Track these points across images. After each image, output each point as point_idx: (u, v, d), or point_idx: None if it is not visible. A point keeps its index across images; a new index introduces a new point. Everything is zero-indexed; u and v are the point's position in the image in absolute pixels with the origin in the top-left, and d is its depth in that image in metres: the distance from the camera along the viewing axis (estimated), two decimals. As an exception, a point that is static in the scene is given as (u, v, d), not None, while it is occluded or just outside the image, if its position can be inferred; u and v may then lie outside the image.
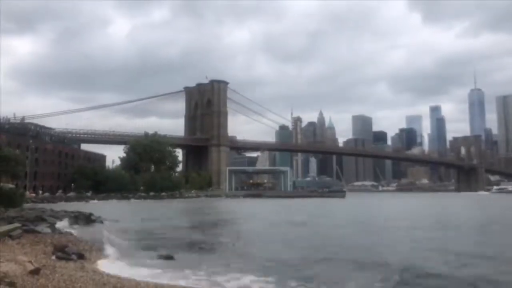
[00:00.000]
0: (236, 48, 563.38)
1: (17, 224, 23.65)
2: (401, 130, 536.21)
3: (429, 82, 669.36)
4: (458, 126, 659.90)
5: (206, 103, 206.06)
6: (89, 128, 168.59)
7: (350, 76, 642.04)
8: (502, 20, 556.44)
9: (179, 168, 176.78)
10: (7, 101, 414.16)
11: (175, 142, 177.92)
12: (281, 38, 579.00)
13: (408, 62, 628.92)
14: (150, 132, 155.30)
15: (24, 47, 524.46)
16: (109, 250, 20.03)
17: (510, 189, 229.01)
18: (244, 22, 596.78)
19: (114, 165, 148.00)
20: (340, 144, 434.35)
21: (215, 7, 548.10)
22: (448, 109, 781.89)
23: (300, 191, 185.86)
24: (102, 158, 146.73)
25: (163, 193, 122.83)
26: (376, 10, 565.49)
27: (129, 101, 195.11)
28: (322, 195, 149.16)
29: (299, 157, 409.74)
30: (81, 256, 16.43)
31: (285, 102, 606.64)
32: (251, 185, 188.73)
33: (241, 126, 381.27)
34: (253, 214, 57.21)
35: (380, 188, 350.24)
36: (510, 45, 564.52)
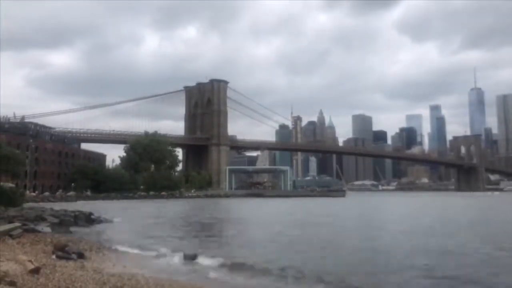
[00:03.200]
0: (255, 62, 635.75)
1: (17, 224, 23.71)
2: (401, 130, 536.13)
3: (423, 89, 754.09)
4: (458, 125, 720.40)
5: (206, 102, 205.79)
6: (89, 127, 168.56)
7: (351, 85, 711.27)
8: (477, 40, 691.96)
9: (179, 167, 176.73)
10: (27, 106, 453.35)
11: (175, 142, 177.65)
12: (294, 55, 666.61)
13: (403, 74, 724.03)
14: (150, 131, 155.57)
15: (56, 60, 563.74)
16: (109, 249, 20.07)
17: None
18: (265, 41, 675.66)
19: (114, 164, 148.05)
20: (340, 144, 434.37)
21: (239, 27, 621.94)
22: (448, 109, 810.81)
23: (300, 191, 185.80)
24: (102, 157, 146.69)
25: (163, 193, 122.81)
26: (376, 32, 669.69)
27: (128, 100, 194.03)
28: (322, 195, 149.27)
29: (299, 156, 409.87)
30: (81, 256, 16.46)
31: (286, 104, 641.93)
32: (251, 185, 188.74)
33: (241, 126, 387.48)
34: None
35: (380, 187, 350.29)
36: (487, 60, 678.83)
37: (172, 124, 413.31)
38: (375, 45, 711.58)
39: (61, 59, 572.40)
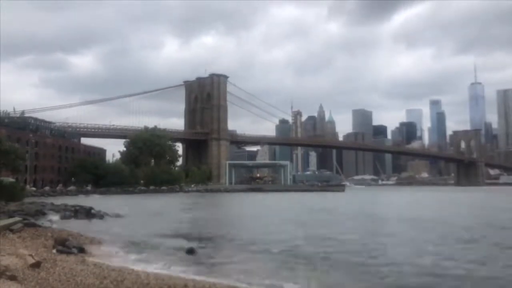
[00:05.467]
0: (266, 66, 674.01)
1: (17, 218, 23.74)
2: (401, 124, 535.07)
3: (421, 90, 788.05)
4: (457, 120, 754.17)
5: (206, 97, 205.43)
6: (89, 122, 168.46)
7: (352, 86, 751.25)
8: (466, 46, 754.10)
9: (179, 162, 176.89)
10: (40, 103, 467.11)
11: (175, 136, 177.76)
12: (302, 59, 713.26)
13: (401, 76, 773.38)
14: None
15: (76, 63, 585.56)
16: (109, 243, 20.12)
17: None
18: (276, 47, 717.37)
19: (114, 159, 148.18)
20: (340, 138, 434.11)
21: (253, 35, 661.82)
22: (446, 106, 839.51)
23: (300, 185, 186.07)
24: (102, 152, 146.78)
25: (163, 187, 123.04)
26: (375, 40, 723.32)
27: (127, 95, 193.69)
28: (322, 189, 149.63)
29: (299, 151, 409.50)
30: (81, 250, 16.52)
31: (290, 102, 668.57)
32: (251, 179, 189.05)
33: (242, 121, 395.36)
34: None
35: (380, 182, 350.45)
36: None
37: (180, 122, 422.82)
38: (374, 51, 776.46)
39: (81, 62, 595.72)
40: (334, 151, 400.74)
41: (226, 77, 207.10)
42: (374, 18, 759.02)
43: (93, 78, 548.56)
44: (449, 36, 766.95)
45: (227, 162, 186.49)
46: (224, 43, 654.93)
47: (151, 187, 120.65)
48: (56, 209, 36.28)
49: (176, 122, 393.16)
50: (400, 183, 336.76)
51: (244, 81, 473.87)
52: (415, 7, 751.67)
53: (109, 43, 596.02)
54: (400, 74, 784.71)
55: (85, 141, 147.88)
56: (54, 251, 15.74)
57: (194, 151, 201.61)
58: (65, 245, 16.71)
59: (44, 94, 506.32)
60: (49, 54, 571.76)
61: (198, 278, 12.90)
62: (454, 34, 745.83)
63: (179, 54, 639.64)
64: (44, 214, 31.62)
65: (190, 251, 17.82)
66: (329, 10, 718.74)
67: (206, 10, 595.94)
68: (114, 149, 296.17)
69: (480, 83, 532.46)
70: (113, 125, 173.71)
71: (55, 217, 31.53)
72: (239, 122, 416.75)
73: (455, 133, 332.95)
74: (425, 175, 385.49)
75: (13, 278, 9.92)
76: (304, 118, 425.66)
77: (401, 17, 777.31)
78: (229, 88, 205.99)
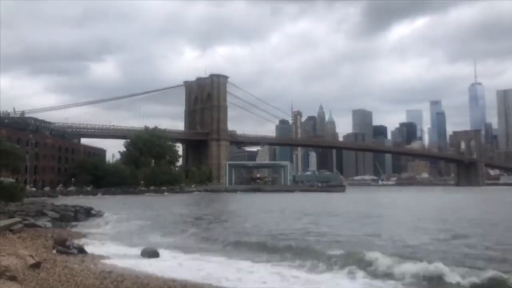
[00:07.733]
0: (277, 74, 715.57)
1: (17, 218, 23.73)
2: (401, 125, 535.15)
3: (420, 95, 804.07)
4: (458, 120, 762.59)
5: (206, 97, 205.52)
6: (88, 122, 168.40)
7: (353, 92, 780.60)
8: (457, 57, 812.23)
9: (179, 162, 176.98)
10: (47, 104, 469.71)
11: (175, 137, 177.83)
12: (310, 68, 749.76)
13: (401, 82, 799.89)
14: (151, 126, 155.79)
15: (95, 70, 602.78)
16: (109, 243, 20.13)
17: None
18: (288, 57, 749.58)
19: (114, 159, 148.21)
20: (340, 139, 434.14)
21: (266, 46, 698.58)
22: (447, 107, 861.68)
23: (300, 186, 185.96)
24: (102, 152, 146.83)
25: (163, 188, 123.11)
26: (376, 52, 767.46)
27: (128, 96, 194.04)
28: (322, 190, 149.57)
29: (299, 151, 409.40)
30: (81, 250, 16.52)
31: (289, 102, 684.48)
32: (251, 180, 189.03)
33: (244, 124, 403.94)
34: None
35: (380, 182, 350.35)
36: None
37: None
38: (374, 62, 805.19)
39: (100, 70, 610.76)
40: (334, 152, 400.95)
41: (226, 77, 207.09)
42: (374, 32, 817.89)
43: (110, 85, 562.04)
44: (442, 48, 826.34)
45: (227, 162, 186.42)
46: (239, 53, 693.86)
47: (151, 188, 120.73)
48: (56, 209, 36.21)
49: (181, 125, 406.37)
50: (400, 183, 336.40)
51: (254, 87, 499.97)
52: (411, 24, 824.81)
53: (127, 53, 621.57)
54: (399, 81, 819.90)
55: (85, 141, 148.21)
56: (54, 251, 15.75)
57: (194, 151, 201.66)
58: (65, 245, 16.70)
59: (60, 100, 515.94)
60: (69, 61, 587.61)
61: (200, 280, 12.89)
62: (447, 46, 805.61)
63: (196, 64, 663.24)
64: (44, 214, 31.55)
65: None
66: (333, 25, 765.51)
67: (224, 24, 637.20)
68: (114, 149, 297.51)
69: (480, 83, 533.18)
70: (113, 125, 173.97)
71: (54, 217, 31.45)
72: (242, 125, 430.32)
73: (455, 133, 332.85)
74: (425, 175, 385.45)
75: (13, 278, 9.93)
76: (304, 118, 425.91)
77: (398, 32, 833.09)
78: (233, 91, 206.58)
